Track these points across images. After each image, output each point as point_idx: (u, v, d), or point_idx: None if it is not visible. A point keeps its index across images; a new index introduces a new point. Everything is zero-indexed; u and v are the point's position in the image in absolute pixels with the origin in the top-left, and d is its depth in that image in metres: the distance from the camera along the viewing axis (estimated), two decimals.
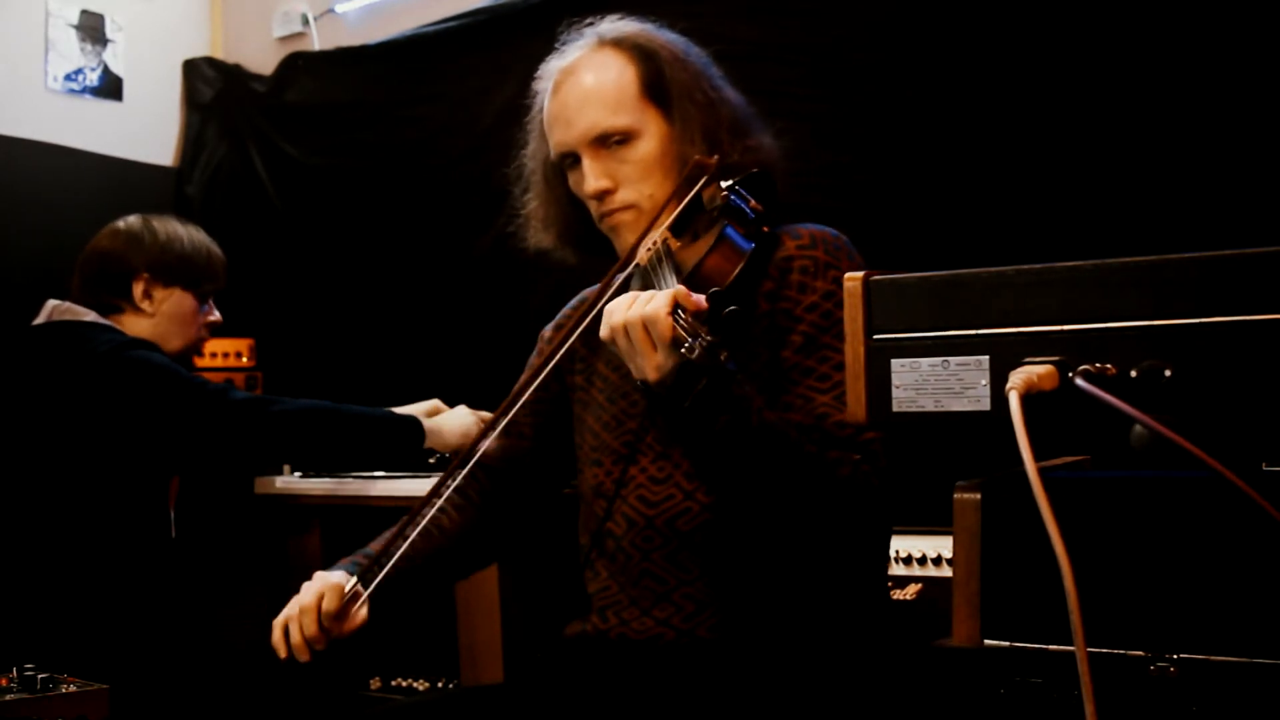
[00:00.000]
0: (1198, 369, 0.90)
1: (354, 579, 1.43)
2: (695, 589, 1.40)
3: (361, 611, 1.42)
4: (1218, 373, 0.90)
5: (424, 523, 1.46)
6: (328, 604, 1.39)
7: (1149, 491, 1.09)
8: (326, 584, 1.41)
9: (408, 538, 1.45)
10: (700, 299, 1.15)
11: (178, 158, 3.52)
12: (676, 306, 1.16)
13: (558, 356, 1.45)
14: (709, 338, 1.12)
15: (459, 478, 1.48)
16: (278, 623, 1.42)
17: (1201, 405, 0.90)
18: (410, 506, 1.46)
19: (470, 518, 1.59)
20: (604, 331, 1.23)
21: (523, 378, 1.57)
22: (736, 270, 1.21)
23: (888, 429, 1.03)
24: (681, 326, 1.15)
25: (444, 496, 1.47)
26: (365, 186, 3.25)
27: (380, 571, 1.43)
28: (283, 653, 1.41)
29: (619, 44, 1.48)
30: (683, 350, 1.14)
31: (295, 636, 1.40)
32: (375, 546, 1.50)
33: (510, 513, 1.63)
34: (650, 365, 1.19)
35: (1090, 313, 0.95)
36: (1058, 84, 2.22)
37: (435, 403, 2.39)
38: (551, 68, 1.52)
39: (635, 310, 1.19)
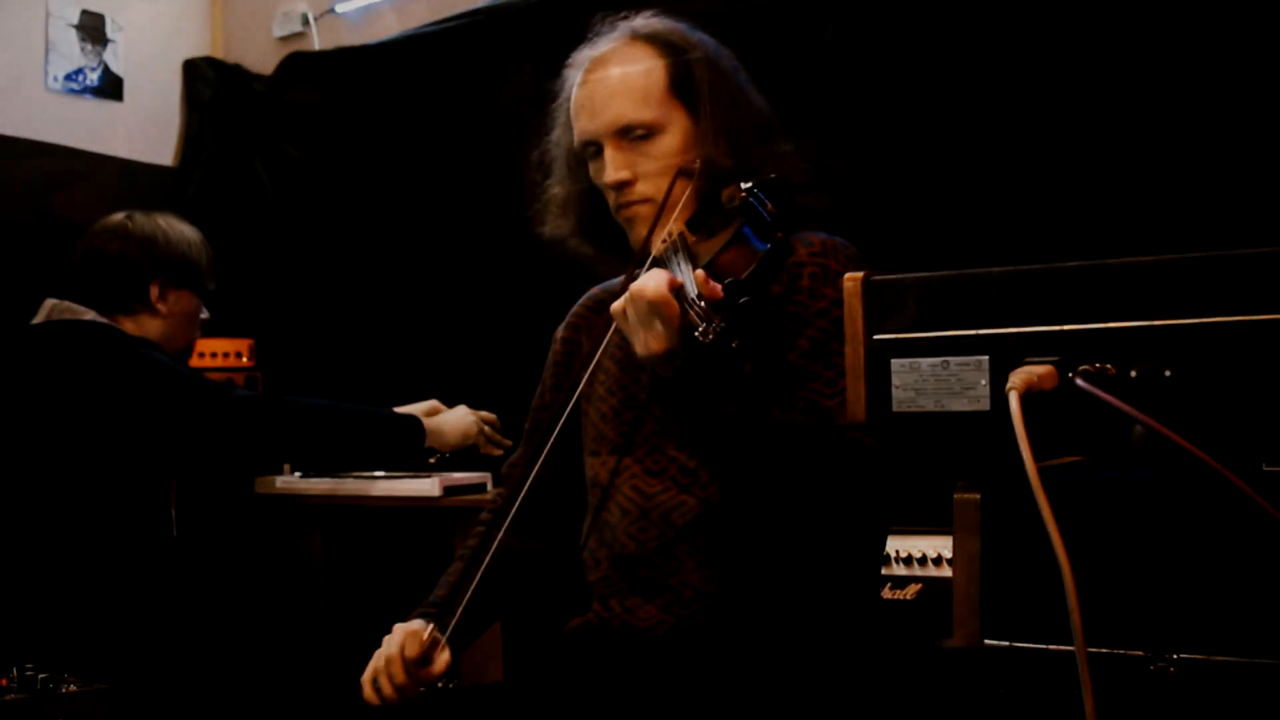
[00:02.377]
0: (1198, 369, 0.90)
1: (430, 625, 1.46)
2: (691, 578, 1.41)
3: (444, 655, 1.45)
4: (1218, 373, 0.90)
5: (485, 563, 1.46)
6: (409, 651, 1.43)
7: (1149, 491, 1.09)
8: (406, 632, 1.45)
9: (472, 580, 1.46)
10: (717, 286, 1.17)
11: (178, 158, 3.52)
12: (695, 293, 1.17)
13: (583, 381, 1.50)
14: (722, 324, 1.13)
15: (510, 516, 1.46)
16: (366, 679, 1.46)
17: (1201, 405, 0.90)
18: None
19: (519, 538, 1.57)
20: (615, 305, 1.25)
21: (542, 395, 1.65)
22: (751, 268, 1.22)
23: (888, 429, 1.03)
24: (696, 311, 1.16)
25: (497, 540, 1.46)
26: (365, 186, 3.25)
27: (453, 616, 1.46)
28: (378, 703, 1.44)
29: (651, 39, 1.50)
30: (696, 334, 1.15)
31: (386, 688, 1.43)
32: (440, 593, 1.55)
33: (549, 513, 1.63)
34: (654, 340, 1.20)
35: (1090, 313, 0.95)
36: (1055, 82, 2.22)
37: (434, 403, 2.40)
38: (582, 57, 1.53)
39: (648, 288, 1.20)
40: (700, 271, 1.19)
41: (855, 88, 2.43)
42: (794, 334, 1.39)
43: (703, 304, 1.15)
